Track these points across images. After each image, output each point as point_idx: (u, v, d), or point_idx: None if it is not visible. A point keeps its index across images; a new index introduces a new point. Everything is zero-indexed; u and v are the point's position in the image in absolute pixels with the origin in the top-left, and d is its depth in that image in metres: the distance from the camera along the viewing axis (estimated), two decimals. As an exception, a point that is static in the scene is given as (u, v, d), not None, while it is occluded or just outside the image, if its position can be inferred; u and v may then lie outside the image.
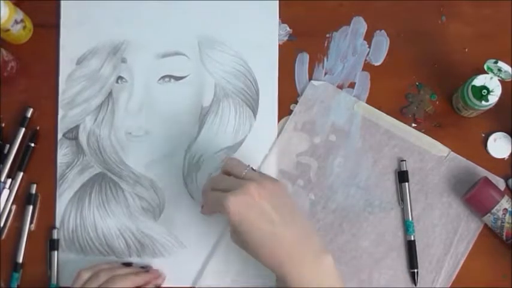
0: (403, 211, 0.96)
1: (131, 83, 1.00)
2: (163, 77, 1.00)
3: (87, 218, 0.98)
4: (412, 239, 0.95)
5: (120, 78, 1.01)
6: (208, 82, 1.00)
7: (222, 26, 1.01)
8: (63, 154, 1.00)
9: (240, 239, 0.84)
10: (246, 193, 0.83)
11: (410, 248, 0.95)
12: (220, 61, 1.01)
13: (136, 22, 1.01)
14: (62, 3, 1.02)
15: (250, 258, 0.84)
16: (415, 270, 0.95)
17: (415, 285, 0.95)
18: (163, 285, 0.96)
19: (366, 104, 0.99)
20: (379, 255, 0.96)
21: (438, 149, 0.98)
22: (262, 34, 1.01)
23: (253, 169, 0.88)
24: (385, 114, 0.99)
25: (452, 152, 0.97)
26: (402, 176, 0.97)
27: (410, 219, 0.96)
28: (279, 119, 0.99)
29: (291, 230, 0.83)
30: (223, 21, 1.01)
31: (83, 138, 1.00)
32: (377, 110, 0.99)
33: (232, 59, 1.01)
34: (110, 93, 1.00)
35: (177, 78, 1.00)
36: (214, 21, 1.01)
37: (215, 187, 0.87)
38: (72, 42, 1.01)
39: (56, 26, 1.01)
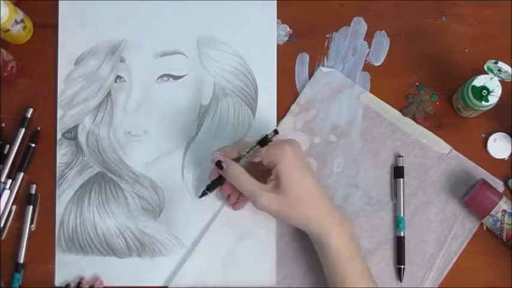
0: (395, 206, 0.96)
1: (130, 82, 1.00)
2: (161, 76, 1.00)
3: (86, 218, 0.98)
4: (402, 235, 0.95)
5: (118, 77, 1.01)
6: (207, 81, 1.00)
7: (220, 25, 1.01)
8: (62, 154, 1.00)
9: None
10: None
11: (399, 244, 0.96)
12: (218, 60, 1.01)
13: (135, 21, 1.01)
14: (60, 3, 1.01)
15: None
16: (402, 267, 0.95)
17: (400, 281, 0.95)
18: (163, 285, 0.96)
19: (373, 96, 0.98)
20: (372, 247, 0.96)
21: (440, 146, 0.98)
22: (260, 33, 1.01)
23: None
24: (391, 107, 0.98)
25: (453, 150, 0.97)
26: (398, 172, 0.97)
27: (401, 215, 0.96)
28: (279, 119, 0.99)
29: None
30: (221, 20, 1.01)
31: (82, 138, 1.00)
32: (383, 102, 0.98)
33: (231, 58, 1.01)
34: (109, 93, 1.00)
35: (176, 77, 1.00)
36: (213, 21, 1.01)
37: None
38: (70, 42, 1.01)
39: (56, 26, 1.01)
